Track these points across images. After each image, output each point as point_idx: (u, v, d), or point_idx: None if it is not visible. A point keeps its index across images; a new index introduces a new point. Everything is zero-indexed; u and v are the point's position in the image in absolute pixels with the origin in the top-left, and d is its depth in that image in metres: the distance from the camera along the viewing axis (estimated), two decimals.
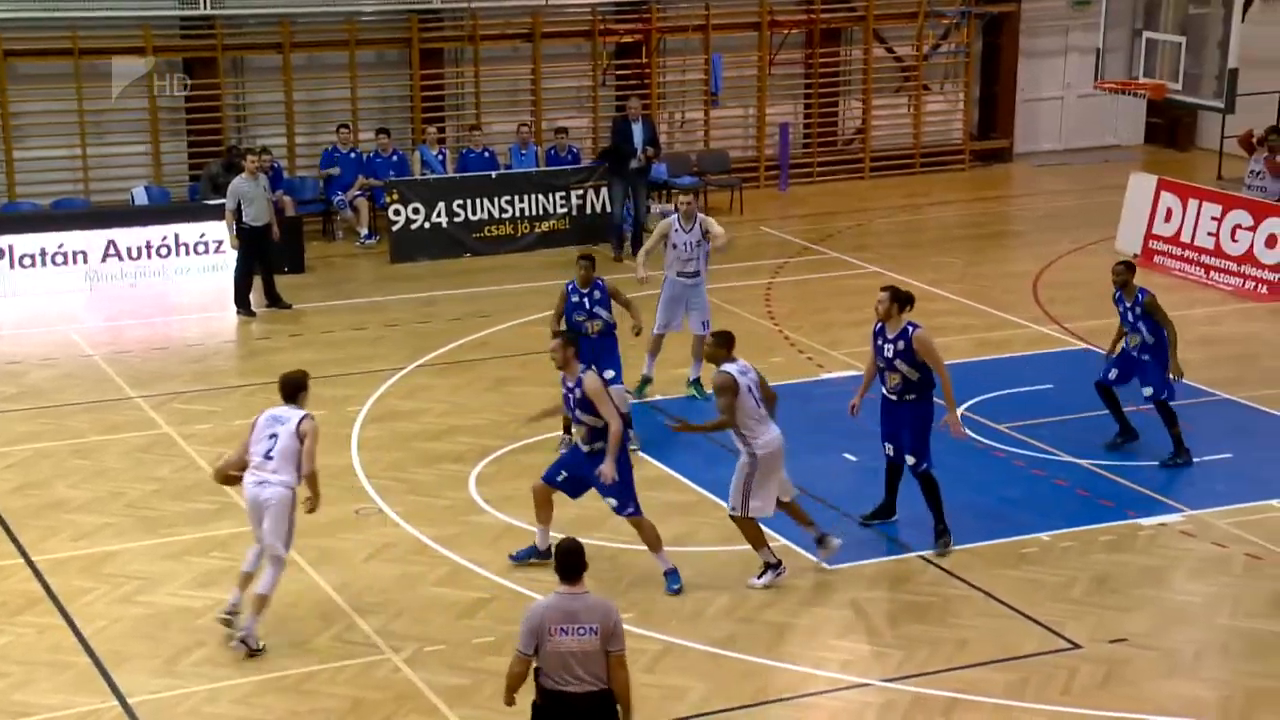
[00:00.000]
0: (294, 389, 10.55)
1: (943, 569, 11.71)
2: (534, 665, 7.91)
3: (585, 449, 11.35)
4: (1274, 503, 12.88)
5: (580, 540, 8.11)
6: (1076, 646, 10.64)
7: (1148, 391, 13.52)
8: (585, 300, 13.78)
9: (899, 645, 10.67)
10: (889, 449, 12.09)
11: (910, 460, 11.88)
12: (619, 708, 7.95)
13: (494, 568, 11.64)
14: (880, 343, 11.84)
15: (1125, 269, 13.72)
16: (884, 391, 11.94)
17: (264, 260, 18.30)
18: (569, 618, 7.83)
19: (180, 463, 13.65)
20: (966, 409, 14.39)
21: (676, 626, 10.84)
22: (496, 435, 14.27)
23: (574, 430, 11.99)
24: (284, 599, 10.97)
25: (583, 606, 7.88)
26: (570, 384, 11.30)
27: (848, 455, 13.69)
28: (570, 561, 7.96)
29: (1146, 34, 19.71)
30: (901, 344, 11.68)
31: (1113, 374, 13.78)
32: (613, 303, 13.86)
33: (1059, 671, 10.32)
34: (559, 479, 11.51)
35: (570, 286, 13.86)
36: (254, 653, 10.36)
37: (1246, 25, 19.06)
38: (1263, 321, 17.77)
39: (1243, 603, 11.26)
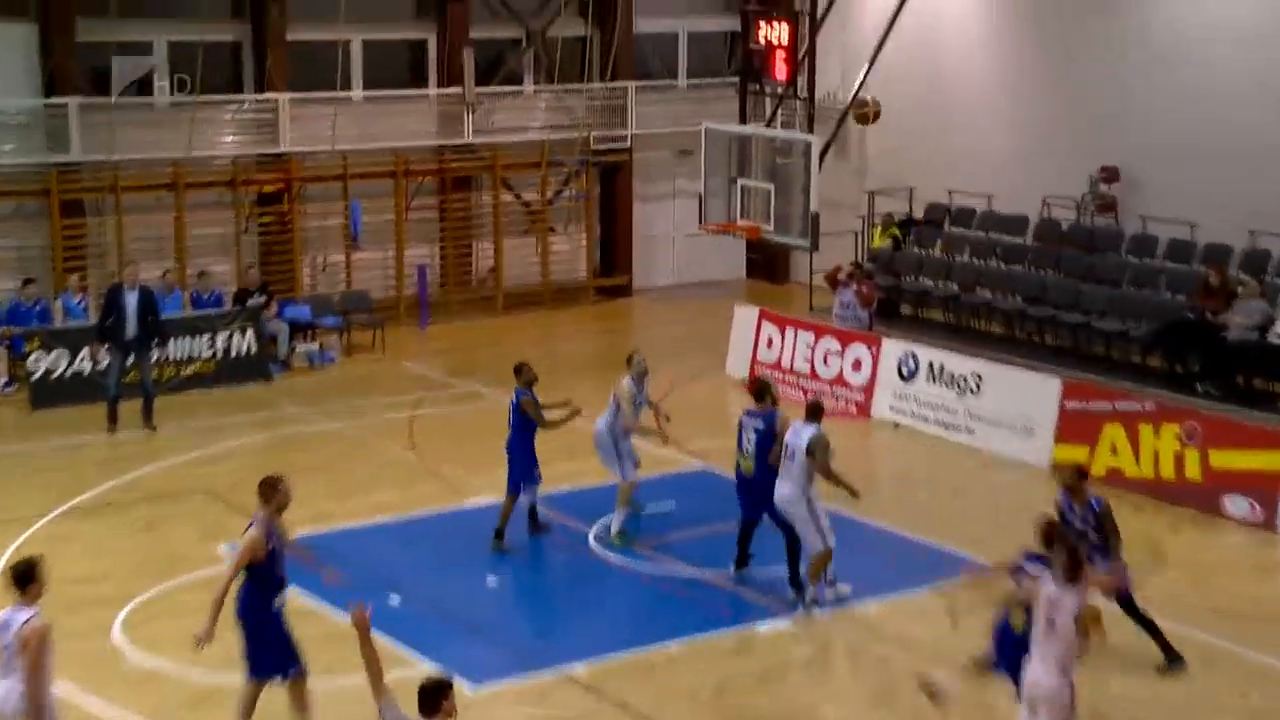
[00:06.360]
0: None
1: (582, 685, 11.69)
2: None
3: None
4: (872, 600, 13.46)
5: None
6: None
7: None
8: None
9: None
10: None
11: None
12: None
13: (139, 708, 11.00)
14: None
15: (1076, 475, 11.65)
16: None
17: None
18: None
19: None
20: (597, 531, 14.57)
21: None
22: (145, 576, 13.56)
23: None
24: None
25: None
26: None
27: (490, 578, 13.59)
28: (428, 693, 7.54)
29: (741, 181, 20.58)
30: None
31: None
32: None
33: None
34: None
35: None
36: None
37: (823, 174, 20.13)
38: (853, 437, 18.42)
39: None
